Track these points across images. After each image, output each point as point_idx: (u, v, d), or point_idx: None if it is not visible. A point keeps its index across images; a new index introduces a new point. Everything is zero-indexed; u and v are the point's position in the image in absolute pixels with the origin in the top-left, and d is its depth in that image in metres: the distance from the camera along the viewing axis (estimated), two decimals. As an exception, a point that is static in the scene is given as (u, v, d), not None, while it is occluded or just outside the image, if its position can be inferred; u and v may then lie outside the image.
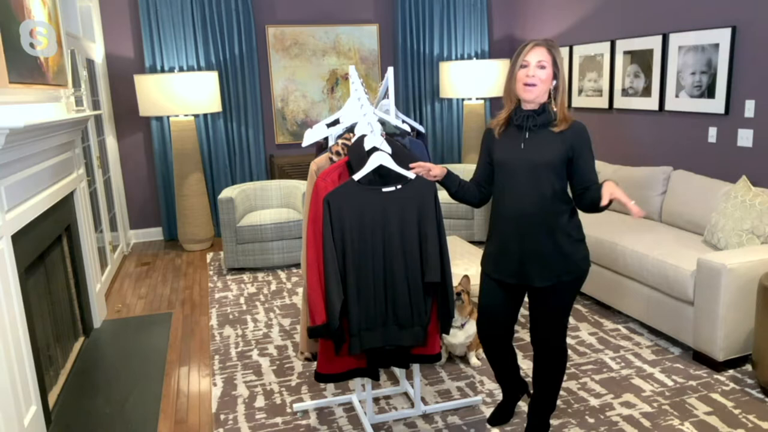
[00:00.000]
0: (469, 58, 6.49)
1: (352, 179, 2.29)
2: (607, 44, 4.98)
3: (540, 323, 2.34)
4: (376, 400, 2.95)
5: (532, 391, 2.58)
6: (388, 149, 2.36)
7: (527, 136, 2.24)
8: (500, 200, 2.30)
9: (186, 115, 5.45)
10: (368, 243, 2.27)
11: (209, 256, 5.48)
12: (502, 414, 2.71)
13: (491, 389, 2.99)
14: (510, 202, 2.25)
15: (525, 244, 2.24)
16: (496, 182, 2.32)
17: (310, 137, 2.62)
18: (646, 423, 2.66)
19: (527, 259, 2.25)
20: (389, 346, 2.34)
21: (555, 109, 2.23)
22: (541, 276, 2.25)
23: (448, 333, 2.48)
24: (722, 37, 3.92)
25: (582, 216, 4.33)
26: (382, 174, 2.34)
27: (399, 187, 2.30)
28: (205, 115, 5.87)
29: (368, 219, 2.27)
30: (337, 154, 2.47)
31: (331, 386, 3.10)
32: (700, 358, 3.17)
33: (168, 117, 5.71)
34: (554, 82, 2.21)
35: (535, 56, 2.17)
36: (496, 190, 2.33)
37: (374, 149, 2.32)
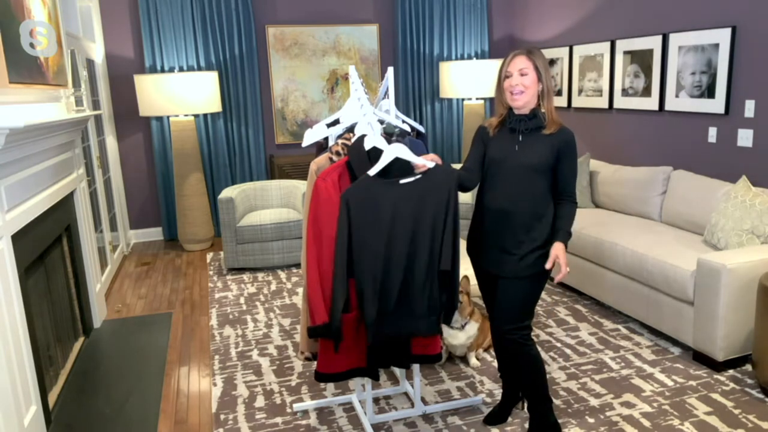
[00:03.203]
0: (469, 58, 6.49)
1: (368, 174, 2.29)
2: (607, 44, 4.98)
3: (498, 313, 2.43)
4: (376, 400, 2.95)
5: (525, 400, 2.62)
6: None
7: (521, 138, 2.35)
8: (487, 194, 2.41)
9: (186, 115, 5.45)
10: (387, 235, 2.27)
11: (209, 256, 5.48)
12: (499, 415, 2.71)
13: (491, 389, 3.00)
14: (497, 198, 2.37)
15: (503, 237, 2.36)
16: (487, 178, 2.42)
17: (310, 137, 2.62)
18: (646, 423, 2.66)
19: (501, 251, 2.38)
20: (405, 333, 2.36)
21: (543, 111, 2.34)
22: (509, 267, 2.36)
23: (449, 324, 2.49)
24: (722, 37, 3.92)
25: (582, 216, 4.33)
26: (399, 165, 2.34)
27: (418, 177, 2.30)
28: (205, 115, 5.87)
29: (387, 211, 2.27)
30: (337, 154, 2.47)
31: (331, 386, 3.10)
32: (700, 358, 3.17)
33: (168, 117, 5.71)
34: (540, 86, 2.31)
35: (516, 65, 2.30)
36: (485, 184, 2.43)
37: (389, 140, 2.32)
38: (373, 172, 2.29)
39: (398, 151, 2.28)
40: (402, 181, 2.29)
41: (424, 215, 2.29)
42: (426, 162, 2.31)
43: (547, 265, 2.30)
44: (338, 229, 2.26)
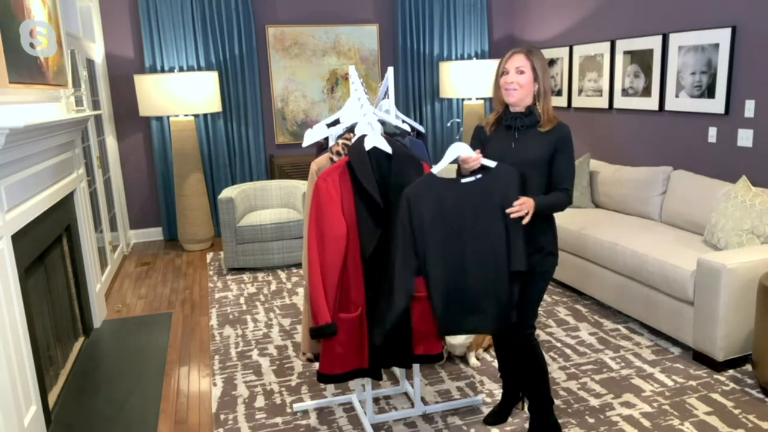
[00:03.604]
0: (469, 58, 6.49)
1: (431, 173, 2.29)
2: (607, 44, 4.98)
3: None
4: (376, 400, 2.95)
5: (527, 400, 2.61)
6: (388, 149, 2.36)
7: (517, 135, 2.36)
8: None
9: (186, 115, 5.45)
10: (449, 234, 2.26)
11: (209, 256, 5.48)
12: (499, 415, 2.71)
13: (491, 389, 3.00)
14: None
15: None
16: None
17: (310, 137, 2.62)
18: (646, 423, 2.66)
19: None
20: (472, 330, 2.33)
21: (540, 111, 2.35)
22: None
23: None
24: (722, 37, 3.92)
25: (582, 216, 4.33)
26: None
27: (479, 177, 2.27)
28: (205, 115, 5.87)
29: (448, 212, 2.25)
30: (338, 154, 2.47)
31: (331, 386, 3.10)
32: (700, 358, 3.17)
33: (168, 117, 5.71)
34: (536, 86, 2.33)
35: (514, 63, 2.31)
36: None
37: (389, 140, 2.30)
38: (436, 170, 2.30)
39: (460, 149, 2.26)
40: (463, 180, 2.27)
41: (487, 215, 2.25)
42: (488, 162, 2.27)
43: (515, 203, 2.20)
44: (399, 226, 2.25)
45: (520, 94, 2.30)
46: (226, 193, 4.96)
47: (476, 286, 2.28)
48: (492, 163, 2.28)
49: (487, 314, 2.30)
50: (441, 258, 2.27)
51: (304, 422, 2.78)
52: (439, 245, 2.26)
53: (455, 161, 2.34)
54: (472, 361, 3.25)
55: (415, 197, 2.26)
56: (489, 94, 5.78)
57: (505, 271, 2.26)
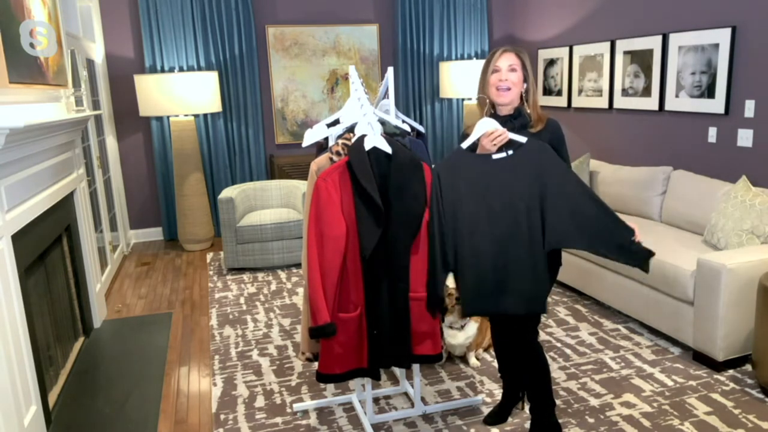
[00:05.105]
0: (469, 58, 6.49)
1: (460, 147, 2.26)
2: (607, 44, 4.98)
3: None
4: (376, 400, 2.95)
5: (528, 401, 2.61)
6: (388, 149, 2.36)
7: None
8: None
9: (186, 115, 5.45)
10: (482, 213, 2.21)
11: (209, 256, 5.48)
12: (499, 415, 2.71)
13: (491, 389, 3.00)
14: None
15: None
16: None
17: (310, 137, 2.62)
18: (646, 423, 2.66)
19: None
20: (503, 312, 2.25)
21: (529, 111, 2.33)
22: None
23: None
24: (722, 37, 3.92)
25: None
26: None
27: (510, 153, 2.22)
28: (205, 115, 5.87)
29: (482, 187, 2.21)
30: (338, 154, 2.47)
31: (331, 386, 3.10)
32: (700, 358, 3.17)
33: (168, 117, 5.71)
34: (525, 85, 2.31)
35: (506, 61, 2.28)
36: None
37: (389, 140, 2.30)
38: (465, 145, 2.27)
39: (489, 124, 2.23)
40: (495, 157, 2.22)
41: (522, 191, 2.19)
42: (518, 137, 2.22)
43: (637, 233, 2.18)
44: (432, 203, 2.25)
45: (512, 95, 2.28)
46: (226, 193, 4.96)
47: (510, 265, 2.20)
48: (522, 139, 2.22)
49: (518, 295, 2.21)
50: (472, 234, 2.20)
51: (304, 422, 2.78)
52: (471, 220, 2.21)
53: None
54: (472, 361, 3.25)
55: (444, 172, 2.24)
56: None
57: (541, 249, 2.20)
